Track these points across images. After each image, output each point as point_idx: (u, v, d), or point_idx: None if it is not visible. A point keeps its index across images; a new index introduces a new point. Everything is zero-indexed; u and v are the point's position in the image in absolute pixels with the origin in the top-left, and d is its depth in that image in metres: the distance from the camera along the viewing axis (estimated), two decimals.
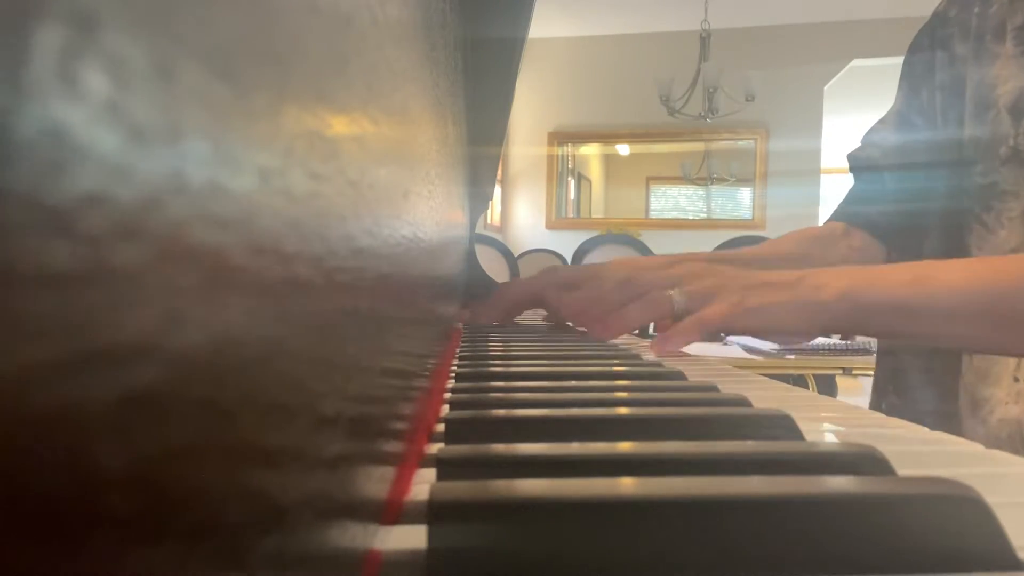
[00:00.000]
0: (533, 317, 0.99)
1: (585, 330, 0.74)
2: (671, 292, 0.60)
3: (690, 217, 5.54)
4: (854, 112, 4.73)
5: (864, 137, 0.86)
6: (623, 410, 0.33)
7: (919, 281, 0.52)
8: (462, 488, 0.20)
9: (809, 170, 4.74)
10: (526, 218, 5.39)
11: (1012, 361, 0.63)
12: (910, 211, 0.79)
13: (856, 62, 4.60)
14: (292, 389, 0.13)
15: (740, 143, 5.10)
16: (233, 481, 0.10)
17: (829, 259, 0.81)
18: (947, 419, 0.69)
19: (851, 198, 0.86)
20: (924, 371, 0.74)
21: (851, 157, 0.86)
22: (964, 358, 0.68)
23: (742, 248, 0.92)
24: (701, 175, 5.38)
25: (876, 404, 0.81)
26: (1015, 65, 0.67)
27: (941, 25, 0.78)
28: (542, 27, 4.78)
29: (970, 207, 0.69)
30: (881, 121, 0.85)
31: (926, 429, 0.36)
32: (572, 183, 5.66)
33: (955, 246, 0.70)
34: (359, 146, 0.19)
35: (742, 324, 0.56)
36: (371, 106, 0.21)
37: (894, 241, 0.82)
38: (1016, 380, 0.63)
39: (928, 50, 0.78)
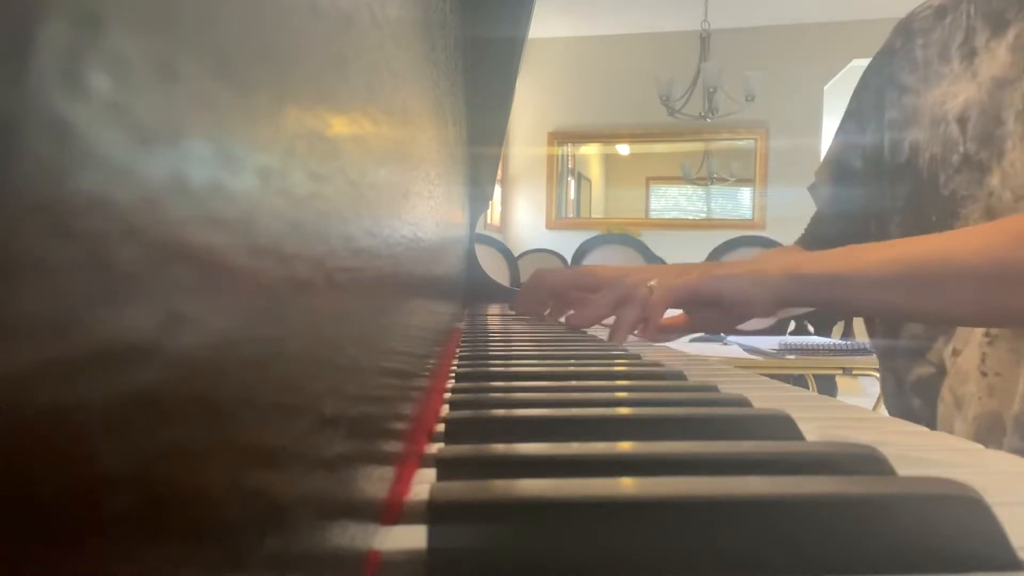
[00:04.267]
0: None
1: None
2: (650, 283, 0.70)
3: (690, 217, 5.54)
4: None
5: (816, 173, 0.92)
6: (623, 410, 0.33)
7: (849, 256, 0.63)
8: (462, 488, 0.20)
9: (809, 170, 4.73)
10: (526, 218, 5.39)
11: (976, 358, 0.66)
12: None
13: (856, 62, 4.59)
14: (292, 389, 0.13)
15: (740, 143, 5.10)
16: (233, 481, 0.10)
17: None
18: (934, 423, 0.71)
19: (808, 230, 0.93)
20: (915, 379, 0.75)
21: (809, 190, 0.93)
22: (948, 361, 0.70)
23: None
24: (701, 175, 5.38)
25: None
26: (962, 80, 0.71)
27: (888, 61, 0.82)
28: (542, 27, 4.78)
29: (939, 220, 0.72)
30: (818, 171, 0.91)
31: (926, 429, 0.36)
32: (572, 183, 5.65)
33: None
34: (359, 146, 0.19)
35: (707, 288, 0.66)
36: (371, 106, 0.21)
37: None
38: (984, 375, 0.65)
39: (876, 88, 0.83)
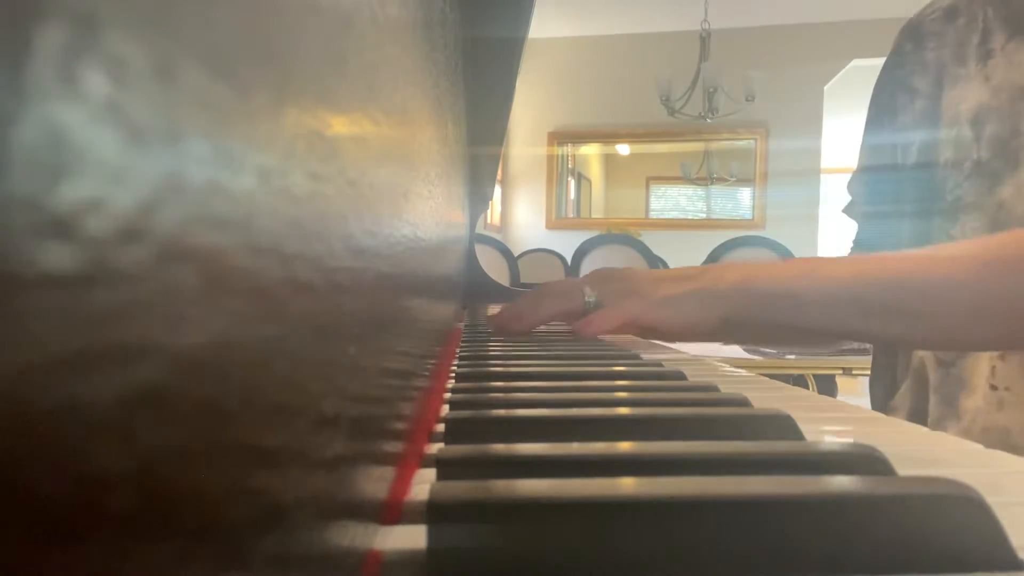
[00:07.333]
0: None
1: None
2: (583, 288, 0.66)
3: (690, 217, 5.54)
4: (854, 112, 4.71)
5: (847, 187, 0.90)
6: (623, 410, 0.33)
7: (808, 273, 0.55)
8: (462, 488, 0.20)
9: (809, 170, 4.74)
10: (526, 218, 5.39)
11: (986, 370, 0.65)
12: (888, 245, 0.83)
13: (856, 62, 4.59)
14: (292, 390, 0.13)
15: (740, 143, 5.10)
16: (234, 481, 0.10)
17: None
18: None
19: (855, 244, 0.90)
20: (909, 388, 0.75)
21: (845, 211, 0.91)
22: (938, 371, 0.70)
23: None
24: (701, 175, 5.38)
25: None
26: (976, 82, 0.70)
27: (899, 64, 0.81)
28: (542, 27, 4.78)
29: (940, 224, 0.71)
30: (848, 187, 0.89)
31: (926, 429, 0.36)
32: (572, 183, 5.65)
33: None
34: (359, 146, 0.19)
35: (654, 314, 0.60)
36: (371, 106, 0.21)
37: None
38: (994, 388, 0.64)
39: (889, 92, 0.82)
